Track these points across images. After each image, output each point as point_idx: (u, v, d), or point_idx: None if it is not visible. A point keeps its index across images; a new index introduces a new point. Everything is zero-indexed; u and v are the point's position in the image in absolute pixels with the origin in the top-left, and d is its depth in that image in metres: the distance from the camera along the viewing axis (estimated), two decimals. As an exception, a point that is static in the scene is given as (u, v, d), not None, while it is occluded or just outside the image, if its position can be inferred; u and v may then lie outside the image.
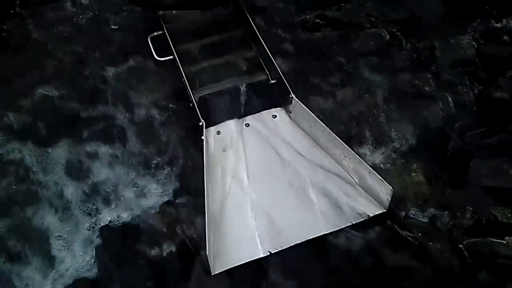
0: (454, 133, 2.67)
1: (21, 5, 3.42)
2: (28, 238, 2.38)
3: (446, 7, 3.29)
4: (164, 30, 2.95)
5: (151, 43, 2.89)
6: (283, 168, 2.50)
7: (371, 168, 2.29)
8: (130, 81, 3.01)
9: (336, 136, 2.41)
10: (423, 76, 2.94)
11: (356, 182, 2.40)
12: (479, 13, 3.19)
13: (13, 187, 2.56)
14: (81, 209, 2.49)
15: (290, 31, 3.21)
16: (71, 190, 2.55)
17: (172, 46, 2.86)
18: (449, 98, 2.83)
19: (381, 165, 2.58)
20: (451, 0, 3.30)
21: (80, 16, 3.38)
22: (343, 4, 3.32)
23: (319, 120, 2.47)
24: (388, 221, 2.33)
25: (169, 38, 2.90)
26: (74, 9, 3.42)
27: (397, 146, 2.66)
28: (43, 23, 3.33)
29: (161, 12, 3.05)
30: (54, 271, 2.28)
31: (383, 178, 2.25)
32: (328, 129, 2.44)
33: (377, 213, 2.31)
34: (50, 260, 2.32)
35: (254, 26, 2.94)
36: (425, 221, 2.35)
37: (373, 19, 3.22)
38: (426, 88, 2.89)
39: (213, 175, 2.42)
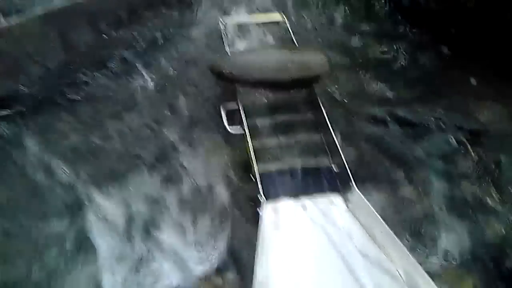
0: (512, 253, 2.61)
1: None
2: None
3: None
4: (238, 102, 3.10)
5: (224, 113, 3.04)
6: (335, 257, 2.47)
7: (426, 275, 2.24)
8: (198, 146, 3.15)
9: (394, 235, 2.39)
10: (486, 189, 2.91)
11: (408, 286, 2.34)
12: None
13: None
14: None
15: (359, 122, 3.31)
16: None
17: (243, 119, 2.99)
18: (511, 216, 2.78)
19: (434, 271, 2.51)
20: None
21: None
22: (414, 105, 3.40)
23: (378, 215, 2.47)
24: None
25: (241, 111, 3.04)
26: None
27: (452, 254, 2.61)
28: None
29: (238, 86, 3.22)
30: None
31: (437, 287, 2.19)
32: (386, 226, 2.42)
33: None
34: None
35: (324, 112, 3.04)
36: None
37: (442, 124, 3.27)
38: (488, 202, 2.85)
39: (265, 251, 2.42)
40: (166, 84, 3.59)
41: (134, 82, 3.59)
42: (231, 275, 2.50)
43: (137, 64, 3.70)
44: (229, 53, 3.45)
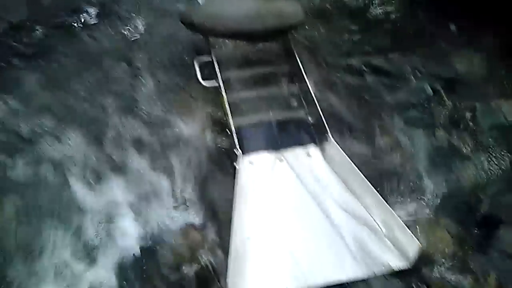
0: (487, 197, 2.66)
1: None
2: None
3: (492, 71, 3.30)
4: (211, 55, 3.01)
5: (198, 66, 2.96)
6: (313, 208, 2.50)
7: (401, 221, 2.28)
8: (170, 100, 3.06)
9: (369, 184, 2.41)
10: (460, 136, 2.93)
11: (384, 233, 2.38)
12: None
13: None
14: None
15: (334, 72, 3.24)
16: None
17: (217, 72, 2.91)
18: (485, 161, 2.82)
19: (408, 218, 2.55)
20: (497, 64, 3.32)
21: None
22: (389, 54, 3.36)
23: (354, 165, 2.48)
24: (411, 277, 2.31)
25: (215, 64, 2.96)
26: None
27: (427, 200, 2.65)
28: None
29: (211, 38, 3.12)
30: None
31: (411, 232, 2.24)
32: (362, 175, 2.44)
33: (401, 268, 2.29)
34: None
35: (299, 63, 2.98)
36: (448, 282, 2.33)
37: (418, 72, 3.24)
38: (463, 148, 2.88)
39: (242, 205, 2.43)
40: (133, 38, 3.44)
41: (101, 37, 3.43)
42: (208, 230, 2.48)
43: (102, 19, 3.53)
44: (200, 2, 3.34)
